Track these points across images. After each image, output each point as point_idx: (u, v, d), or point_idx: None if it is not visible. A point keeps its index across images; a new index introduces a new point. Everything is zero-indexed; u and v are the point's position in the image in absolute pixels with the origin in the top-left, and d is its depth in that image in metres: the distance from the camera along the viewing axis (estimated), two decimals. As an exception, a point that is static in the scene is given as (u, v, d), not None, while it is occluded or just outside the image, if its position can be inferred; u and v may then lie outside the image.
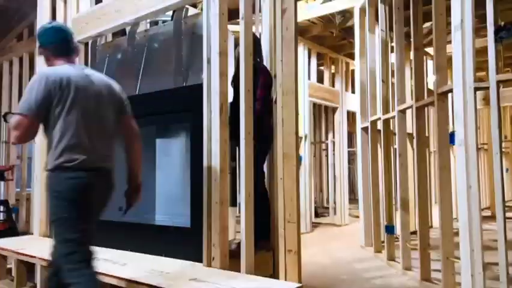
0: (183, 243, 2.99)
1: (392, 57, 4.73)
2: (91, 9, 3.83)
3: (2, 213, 6.06)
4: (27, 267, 3.42)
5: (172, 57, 3.33)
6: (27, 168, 6.82)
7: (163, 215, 4.05)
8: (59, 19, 4.13)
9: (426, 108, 3.76)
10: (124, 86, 3.63)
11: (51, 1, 4.25)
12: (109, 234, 3.52)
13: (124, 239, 3.37)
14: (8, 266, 3.70)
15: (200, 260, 2.80)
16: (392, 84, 4.73)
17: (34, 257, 3.24)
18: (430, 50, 6.38)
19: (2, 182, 6.42)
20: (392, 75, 4.75)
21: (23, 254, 3.35)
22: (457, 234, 3.30)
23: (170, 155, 4.04)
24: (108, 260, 2.98)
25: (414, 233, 4.82)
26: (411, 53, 4.23)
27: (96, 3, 3.92)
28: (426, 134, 4.94)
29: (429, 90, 4.39)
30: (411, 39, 3.78)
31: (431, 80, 6.47)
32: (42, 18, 4.34)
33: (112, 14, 3.49)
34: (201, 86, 2.92)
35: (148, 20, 3.90)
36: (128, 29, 3.89)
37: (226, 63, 2.85)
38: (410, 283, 3.57)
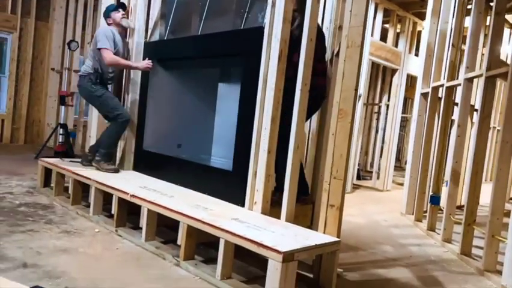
0: (225, 185, 3.08)
1: (467, 21, 4.41)
2: None
3: (61, 136, 6.48)
4: (82, 187, 3.67)
5: (233, -1, 3.28)
6: (86, 96, 7.17)
7: (216, 157, 4.20)
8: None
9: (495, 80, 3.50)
10: (188, 26, 3.68)
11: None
12: (164, 167, 3.71)
13: (176, 174, 3.52)
14: (65, 185, 3.99)
15: (237, 203, 2.90)
16: (462, 50, 4.43)
17: (89, 178, 3.47)
18: (507, 17, 5.85)
19: (63, 107, 6.80)
20: (463, 41, 4.44)
21: (80, 175, 3.59)
22: (506, 214, 3.19)
23: (229, 98, 4.10)
24: (157, 191, 3.14)
25: (458, 207, 4.70)
26: (489, 18, 3.90)
27: None
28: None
29: (500, 62, 4.06)
30: (492, 3, 3.46)
31: (503, 51, 5.98)
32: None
33: None
34: (257, 30, 2.87)
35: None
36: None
37: (291, 8, 2.76)
38: (447, 255, 3.53)
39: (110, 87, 4.13)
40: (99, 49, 3.79)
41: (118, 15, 3.93)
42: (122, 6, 4.04)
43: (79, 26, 7.50)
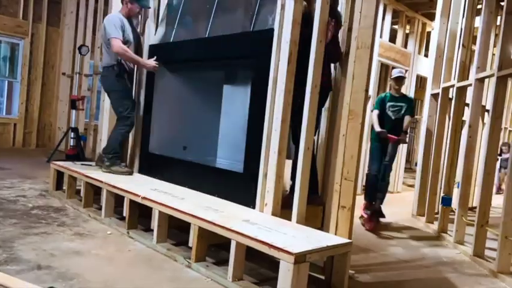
0: (235, 186, 3.09)
1: (477, 21, 4.38)
2: None
3: (72, 139, 6.55)
4: (94, 190, 3.70)
5: (242, 0, 3.28)
6: (97, 100, 7.24)
7: (221, 158, 4.19)
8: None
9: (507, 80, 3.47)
10: (196, 27, 3.69)
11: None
12: (171, 169, 3.72)
13: (183, 176, 3.54)
14: (77, 188, 4.03)
15: (248, 205, 2.90)
16: (472, 50, 4.40)
17: (101, 181, 3.50)
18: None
19: (74, 111, 6.87)
20: (473, 41, 4.41)
21: (91, 178, 3.63)
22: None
23: (234, 101, 4.10)
24: (168, 193, 3.16)
25: (471, 209, 4.66)
26: (499, 18, 3.87)
27: None
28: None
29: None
30: (503, 2, 3.43)
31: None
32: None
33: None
34: (267, 31, 2.87)
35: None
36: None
37: (300, 11, 2.76)
38: (459, 257, 3.50)
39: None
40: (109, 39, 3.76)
41: (136, 9, 3.93)
42: (146, 7, 3.99)
43: (89, 30, 7.57)
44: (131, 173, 3.88)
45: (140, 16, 4.14)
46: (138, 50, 4.02)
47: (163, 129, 4.01)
